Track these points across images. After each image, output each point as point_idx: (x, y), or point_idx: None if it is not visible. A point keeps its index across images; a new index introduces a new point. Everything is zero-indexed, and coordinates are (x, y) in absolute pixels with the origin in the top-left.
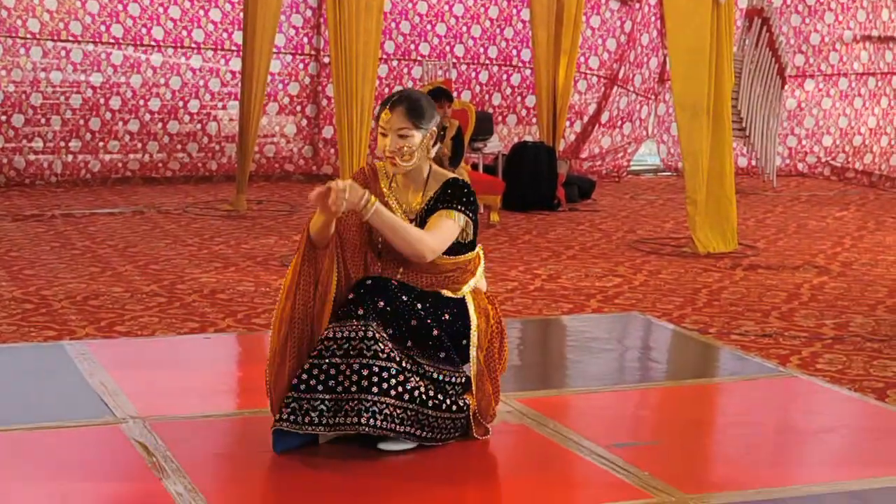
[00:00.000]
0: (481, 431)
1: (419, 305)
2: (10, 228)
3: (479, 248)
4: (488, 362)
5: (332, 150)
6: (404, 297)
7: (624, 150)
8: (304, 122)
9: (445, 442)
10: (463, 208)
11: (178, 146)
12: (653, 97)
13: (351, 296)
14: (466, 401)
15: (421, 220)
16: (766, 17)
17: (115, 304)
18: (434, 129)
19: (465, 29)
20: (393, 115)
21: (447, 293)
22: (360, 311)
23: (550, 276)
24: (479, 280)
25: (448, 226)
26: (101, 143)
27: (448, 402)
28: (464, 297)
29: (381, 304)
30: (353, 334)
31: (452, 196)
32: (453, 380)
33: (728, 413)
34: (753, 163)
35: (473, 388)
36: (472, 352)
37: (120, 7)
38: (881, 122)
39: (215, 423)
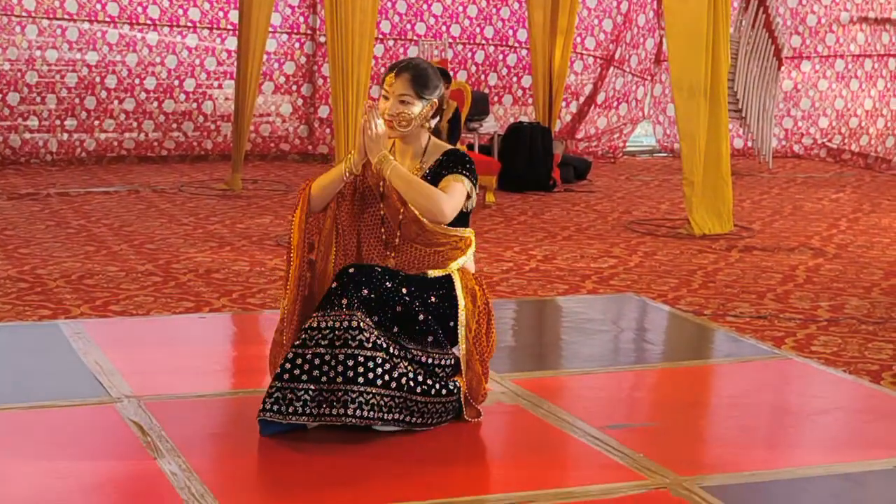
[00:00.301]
0: (473, 413)
1: (404, 290)
2: (5, 207)
3: (471, 232)
4: (477, 342)
5: (328, 130)
6: (388, 284)
7: (620, 130)
8: (300, 101)
9: (437, 426)
10: (468, 174)
11: (174, 125)
12: (649, 78)
13: (334, 284)
14: (457, 383)
15: None
16: None
17: (110, 283)
18: (436, 100)
19: (461, 9)
20: (397, 80)
21: (434, 273)
22: (344, 301)
23: (546, 257)
24: (467, 261)
25: (458, 189)
26: (96, 122)
27: (438, 386)
28: (450, 273)
29: (365, 291)
30: (337, 324)
31: (456, 163)
32: (443, 362)
33: (723, 395)
34: (749, 144)
35: (463, 368)
36: (461, 331)
37: None
38: (877, 103)
39: (210, 402)
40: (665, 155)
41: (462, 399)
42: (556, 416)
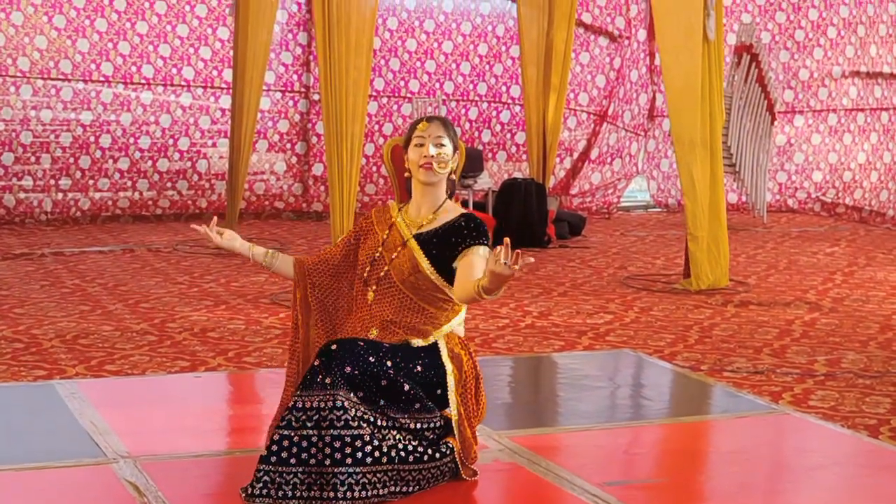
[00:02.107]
0: (469, 472)
1: (389, 363)
2: None
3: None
4: (465, 406)
5: (322, 188)
6: (372, 359)
7: (614, 186)
8: (294, 159)
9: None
10: (485, 241)
11: (168, 184)
12: (642, 133)
13: (316, 362)
14: (449, 444)
15: (426, 240)
16: (756, 54)
17: (106, 342)
18: (457, 154)
19: (454, 66)
20: (431, 125)
21: (417, 342)
22: (328, 381)
23: (541, 314)
24: (454, 327)
25: (483, 260)
26: (91, 182)
27: (430, 451)
28: (436, 342)
29: (348, 369)
30: (322, 404)
31: (472, 231)
32: (432, 425)
33: (721, 451)
34: (744, 199)
35: (455, 432)
36: (450, 396)
37: (110, 45)
38: (871, 157)
39: (206, 462)
40: (659, 210)
41: (458, 459)
42: (554, 473)
